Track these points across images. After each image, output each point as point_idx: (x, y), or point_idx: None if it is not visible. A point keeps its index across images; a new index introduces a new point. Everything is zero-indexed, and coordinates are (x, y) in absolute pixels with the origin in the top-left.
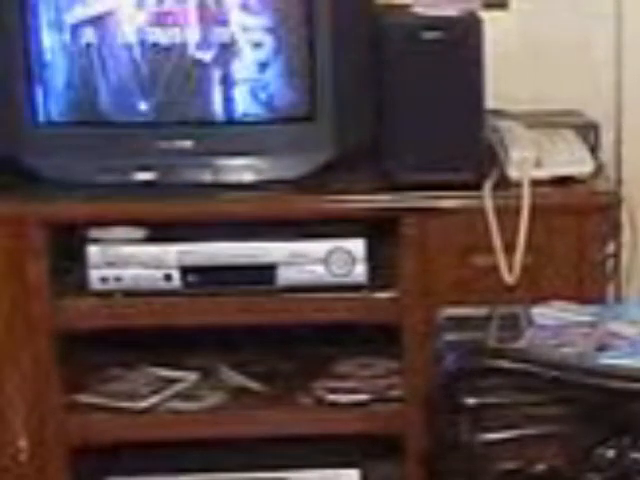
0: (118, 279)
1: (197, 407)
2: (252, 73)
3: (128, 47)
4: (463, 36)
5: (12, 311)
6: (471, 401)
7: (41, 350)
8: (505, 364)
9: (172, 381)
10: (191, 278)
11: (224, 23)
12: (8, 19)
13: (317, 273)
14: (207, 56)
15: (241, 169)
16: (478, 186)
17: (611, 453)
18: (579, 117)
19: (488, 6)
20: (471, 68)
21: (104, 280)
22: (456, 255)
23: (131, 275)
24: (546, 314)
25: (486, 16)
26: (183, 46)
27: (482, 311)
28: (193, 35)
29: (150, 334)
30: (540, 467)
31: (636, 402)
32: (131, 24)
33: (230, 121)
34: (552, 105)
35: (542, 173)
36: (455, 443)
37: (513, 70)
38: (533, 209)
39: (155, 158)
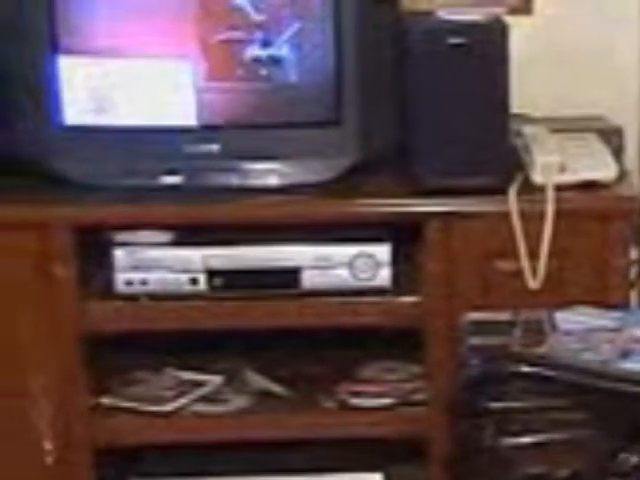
0: (144, 282)
1: (221, 410)
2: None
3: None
4: (488, 41)
5: (39, 314)
6: (495, 405)
7: (67, 353)
8: (528, 369)
9: (197, 384)
10: (217, 281)
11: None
12: (35, 23)
13: (342, 277)
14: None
15: (267, 173)
16: (503, 191)
17: (635, 458)
18: (603, 122)
19: (513, 11)
20: (496, 73)
21: (130, 283)
22: (480, 259)
23: (157, 278)
24: (570, 319)
25: (511, 21)
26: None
27: (506, 316)
28: (219, 38)
29: (175, 337)
30: (564, 472)
31: None
32: None
33: (256, 125)
34: (576, 110)
35: (566, 178)
36: (479, 447)
37: (537, 75)
38: (557, 214)
39: (181, 162)
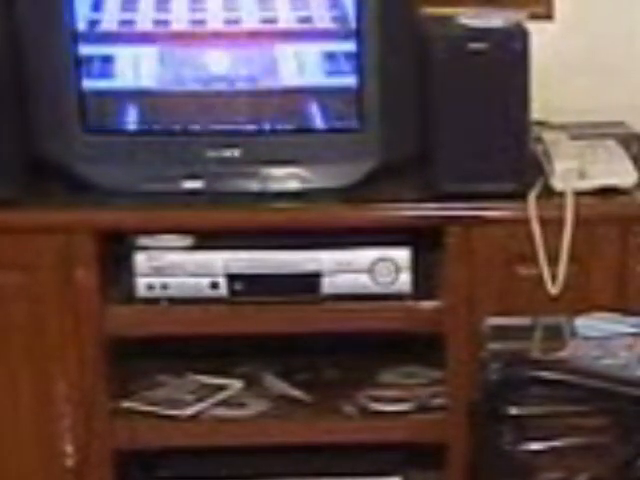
0: (165, 287)
1: (241, 415)
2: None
3: (179, 59)
4: (509, 47)
5: (61, 317)
6: (514, 411)
7: (88, 356)
8: (548, 375)
9: (217, 389)
10: (237, 286)
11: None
12: (59, 26)
13: (362, 282)
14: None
15: (288, 178)
16: (522, 196)
17: None
18: (623, 128)
19: (534, 17)
20: (517, 79)
21: (151, 288)
22: (500, 265)
23: (178, 283)
24: (589, 325)
25: (531, 27)
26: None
27: (525, 321)
28: (242, 47)
29: (196, 342)
30: (582, 477)
31: None
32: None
33: (277, 130)
34: (596, 116)
35: (586, 184)
36: (498, 452)
37: (558, 81)
38: (576, 220)
39: (203, 167)
